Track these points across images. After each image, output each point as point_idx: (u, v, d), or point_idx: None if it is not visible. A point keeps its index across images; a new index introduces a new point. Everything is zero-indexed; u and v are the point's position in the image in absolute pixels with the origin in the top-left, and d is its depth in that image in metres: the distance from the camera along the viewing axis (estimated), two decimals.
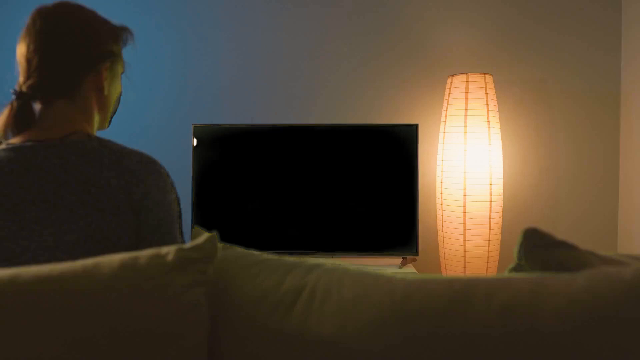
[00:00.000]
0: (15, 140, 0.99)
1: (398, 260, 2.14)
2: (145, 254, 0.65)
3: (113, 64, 1.11)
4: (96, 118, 1.11)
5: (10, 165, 0.94)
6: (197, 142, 2.15)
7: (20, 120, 1.00)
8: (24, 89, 1.01)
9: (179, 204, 1.08)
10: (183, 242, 1.14)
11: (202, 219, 2.11)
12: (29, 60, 1.01)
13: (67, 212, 0.92)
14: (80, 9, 1.07)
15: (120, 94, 1.19)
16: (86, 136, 1.00)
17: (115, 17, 1.14)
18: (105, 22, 1.10)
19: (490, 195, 2.06)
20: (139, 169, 0.99)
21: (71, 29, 1.04)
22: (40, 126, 1.01)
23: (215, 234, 0.67)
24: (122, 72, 1.18)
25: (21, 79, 1.03)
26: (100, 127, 1.15)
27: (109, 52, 1.09)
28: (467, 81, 2.08)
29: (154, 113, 2.40)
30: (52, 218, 0.92)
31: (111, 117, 1.19)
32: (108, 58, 1.09)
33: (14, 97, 1.01)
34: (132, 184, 0.98)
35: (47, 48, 1.01)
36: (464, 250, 2.06)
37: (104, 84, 1.09)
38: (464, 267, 2.07)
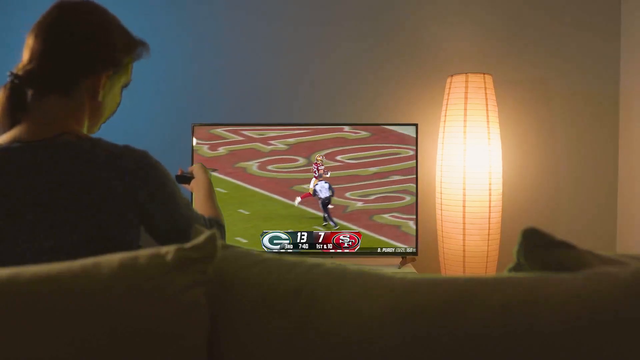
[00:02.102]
0: (2, 140, 0.97)
1: (397, 260, 2.14)
2: (144, 253, 0.64)
3: (116, 74, 1.09)
4: (86, 123, 1.08)
5: (1, 167, 0.93)
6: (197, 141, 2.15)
7: (14, 106, 0.99)
8: (20, 72, 1.00)
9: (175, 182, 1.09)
10: (200, 215, 1.15)
11: None
12: (32, 48, 1.01)
13: (65, 214, 0.91)
14: (103, 12, 1.07)
15: (118, 105, 1.17)
16: (76, 137, 0.99)
17: (115, 14, 1.12)
18: (123, 32, 1.09)
19: (490, 195, 2.06)
20: (137, 169, 0.98)
21: (84, 27, 1.03)
22: (31, 120, 0.99)
23: (215, 233, 0.67)
24: (126, 86, 1.15)
25: (20, 64, 1.02)
26: (88, 132, 1.12)
27: (116, 61, 1.07)
28: (466, 81, 2.08)
29: (154, 112, 2.40)
30: (50, 221, 0.91)
31: (100, 125, 1.16)
32: (112, 66, 1.07)
33: (9, 79, 1.00)
34: (135, 187, 0.97)
35: (54, 40, 1.01)
36: (464, 250, 2.06)
37: (99, 91, 1.06)
38: (464, 267, 2.07)
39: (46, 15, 1.03)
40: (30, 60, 1.01)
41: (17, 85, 0.99)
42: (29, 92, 1.00)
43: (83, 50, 1.03)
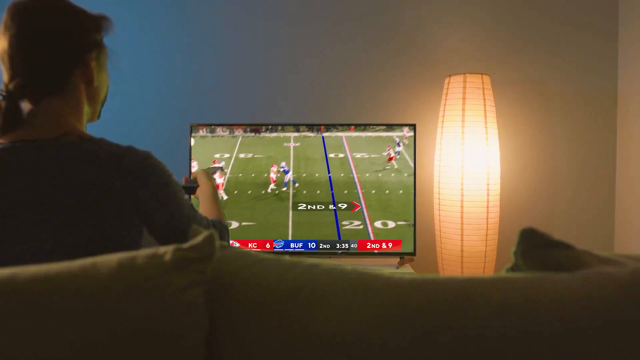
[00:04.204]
0: (3, 140, 0.96)
1: (395, 260, 2.15)
2: (143, 253, 0.64)
3: (98, 54, 1.08)
4: (86, 110, 1.08)
5: (2, 166, 0.92)
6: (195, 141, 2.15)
7: (10, 120, 0.97)
8: (10, 88, 0.97)
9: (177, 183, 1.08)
10: (202, 216, 1.15)
11: None
12: (12, 58, 0.97)
13: (65, 214, 0.91)
14: (57, 0, 1.03)
15: (108, 85, 1.16)
16: (78, 137, 0.98)
17: (114, 15, 1.12)
18: (84, 12, 1.06)
19: (488, 195, 2.06)
20: (139, 169, 0.98)
21: (53, 21, 1.00)
22: (30, 124, 0.98)
23: (213, 233, 0.67)
24: (107, 62, 1.13)
25: (6, 77, 0.99)
26: (90, 120, 1.13)
27: (94, 42, 1.06)
28: (464, 81, 2.09)
29: (152, 112, 2.40)
30: (50, 221, 0.90)
31: (101, 109, 1.16)
32: (93, 48, 1.06)
33: (1, 97, 0.98)
34: (136, 187, 0.97)
35: (31, 44, 0.98)
36: (461, 250, 2.06)
37: (93, 75, 1.06)
38: (462, 267, 2.07)
39: (8, 19, 0.98)
40: (16, 71, 0.98)
41: (10, 101, 0.97)
42: (24, 102, 0.99)
43: (64, 43, 1.01)
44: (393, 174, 2.15)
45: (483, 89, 2.08)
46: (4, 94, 0.98)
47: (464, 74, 2.10)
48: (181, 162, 2.17)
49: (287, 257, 0.71)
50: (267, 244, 2.13)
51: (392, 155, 2.17)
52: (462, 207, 2.05)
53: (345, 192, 2.15)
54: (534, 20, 2.39)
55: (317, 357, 0.60)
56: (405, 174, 2.14)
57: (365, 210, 2.14)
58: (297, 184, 2.13)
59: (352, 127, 2.17)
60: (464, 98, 2.08)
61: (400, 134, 2.15)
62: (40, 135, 0.96)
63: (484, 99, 2.08)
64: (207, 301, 0.64)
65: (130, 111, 2.38)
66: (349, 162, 2.16)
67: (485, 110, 2.08)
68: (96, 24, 1.07)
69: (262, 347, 0.62)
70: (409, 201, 2.13)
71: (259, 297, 0.65)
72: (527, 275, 0.65)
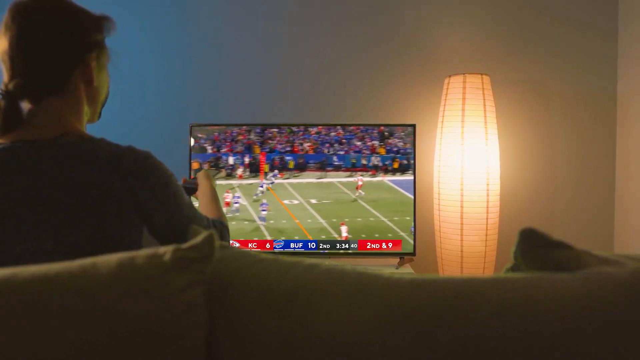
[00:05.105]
0: (3, 140, 0.96)
1: (395, 260, 2.15)
2: (142, 253, 0.64)
3: (99, 54, 1.08)
4: (86, 111, 1.08)
5: (2, 166, 0.92)
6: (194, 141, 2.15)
7: (10, 120, 0.97)
8: (10, 87, 0.97)
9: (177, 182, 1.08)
10: (203, 216, 1.15)
11: None
12: (12, 58, 0.97)
13: (66, 215, 0.91)
14: (58, 0, 1.03)
15: (108, 86, 1.16)
16: (78, 137, 0.98)
17: (114, 15, 1.12)
18: (85, 12, 1.06)
19: (487, 195, 2.06)
20: (139, 169, 0.98)
21: (54, 21, 1.00)
22: (30, 124, 0.98)
23: (213, 233, 0.67)
24: (108, 63, 1.13)
25: (6, 77, 0.99)
26: (90, 121, 1.12)
27: (94, 42, 1.06)
28: (464, 82, 2.09)
29: (152, 112, 2.40)
30: (50, 221, 0.90)
31: (101, 109, 1.16)
32: (94, 48, 1.05)
33: (1, 97, 0.97)
34: (136, 187, 0.97)
35: (31, 44, 0.97)
36: (461, 251, 2.06)
37: (93, 75, 1.06)
38: (461, 267, 2.07)
39: (8, 19, 0.98)
40: (16, 71, 0.98)
41: (10, 101, 0.97)
42: (24, 102, 0.99)
43: (64, 43, 1.00)
44: (246, 222, 2.13)
45: (483, 89, 2.08)
46: (3, 94, 0.98)
47: (464, 74, 2.10)
48: (181, 162, 2.17)
49: (286, 257, 0.71)
50: (267, 244, 2.13)
51: (228, 200, 2.15)
52: (461, 207, 2.05)
53: None
54: (534, 20, 2.39)
55: (317, 357, 0.60)
56: (245, 222, 2.11)
57: None
58: None
59: (354, 127, 2.17)
60: (463, 98, 2.08)
61: (270, 179, 2.14)
62: (40, 135, 0.96)
63: (484, 99, 2.08)
64: (207, 301, 0.64)
65: (130, 111, 2.38)
66: None
67: (485, 110, 2.08)
68: (97, 24, 1.07)
69: (262, 347, 0.62)
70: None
71: (259, 297, 0.65)
72: (527, 275, 0.65)
